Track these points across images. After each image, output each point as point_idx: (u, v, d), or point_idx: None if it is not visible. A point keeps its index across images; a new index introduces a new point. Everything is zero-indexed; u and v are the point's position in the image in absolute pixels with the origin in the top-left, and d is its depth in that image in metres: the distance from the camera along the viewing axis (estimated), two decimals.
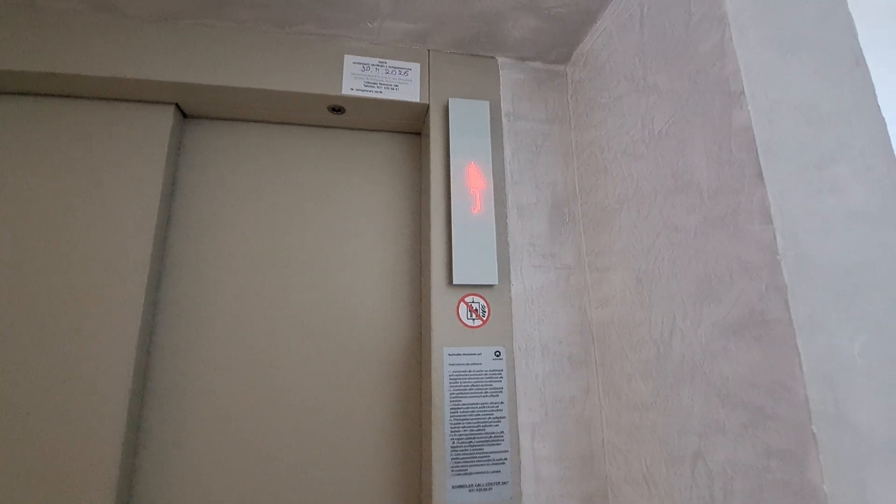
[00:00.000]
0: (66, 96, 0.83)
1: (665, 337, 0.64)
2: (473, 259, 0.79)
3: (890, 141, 0.54)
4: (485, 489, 0.72)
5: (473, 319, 0.79)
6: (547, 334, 0.82)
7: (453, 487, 0.72)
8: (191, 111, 0.90)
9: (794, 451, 0.45)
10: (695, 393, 0.58)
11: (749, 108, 0.51)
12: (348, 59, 0.87)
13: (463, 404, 0.75)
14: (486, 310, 0.80)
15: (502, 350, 0.79)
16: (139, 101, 0.85)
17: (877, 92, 0.56)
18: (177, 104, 0.87)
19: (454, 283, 0.78)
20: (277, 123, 0.95)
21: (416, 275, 0.91)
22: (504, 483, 0.73)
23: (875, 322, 0.47)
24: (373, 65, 0.88)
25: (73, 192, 0.79)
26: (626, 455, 0.72)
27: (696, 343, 0.58)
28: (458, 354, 0.77)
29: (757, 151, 0.50)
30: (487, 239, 0.81)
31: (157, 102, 0.85)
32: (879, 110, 0.55)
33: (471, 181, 0.83)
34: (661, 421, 0.64)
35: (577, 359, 0.82)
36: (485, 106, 0.88)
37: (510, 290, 0.82)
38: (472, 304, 0.80)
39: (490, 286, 0.81)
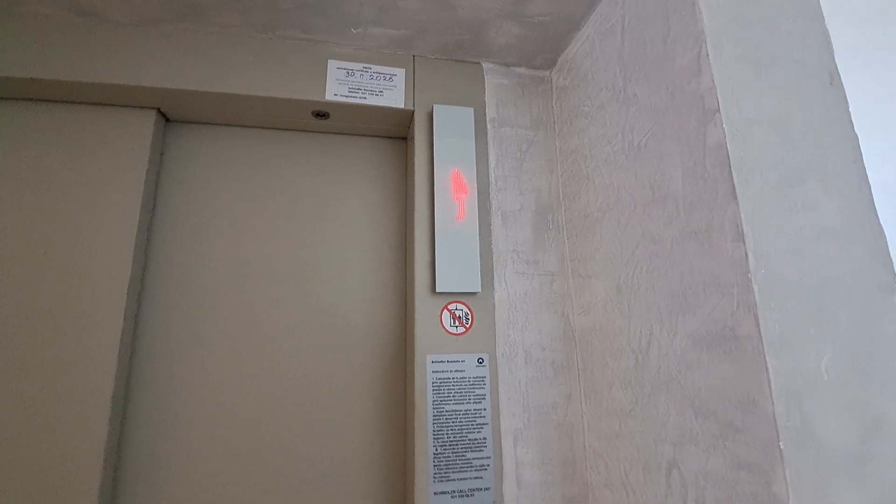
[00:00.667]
0: (46, 101, 0.82)
1: (643, 346, 0.65)
2: (457, 266, 0.80)
3: (861, 158, 0.55)
4: (467, 495, 0.73)
5: (457, 327, 0.80)
6: (530, 340, 0.83)
7: (435, 494, 0.73)
8: (173, 116, 0.89)
9: (762, 464, 0.46)
10: (670, 403, 0.59)
11: (724, 125, 0.52)
12: (332, 65, 0.87)
13: (446, 411, 0.76)
14: (470, 317, 0.81)
15: (485, 357, 0.80)
16: (120, 106, 0.84)
17: (850, 108, 0.57)
18: (159, 109, 0.86)
19: (437, 290, 0.79)
20: (261, 128, 0.94)
21: (401, 281, 0.92)
22: (486, 489, 0.74)
23: (841, 338, 0.48)
24: (357, 70, 0.88)
25: (54, 196, 0.78)
26: (605, 460, 0.74)
27: (671, 354, 0.59)
28: (441, 361, 0.78)
29: (730, 168, 0.51)
30: (471, 246, 0.81)
31: (139, 107, 0.85)
32: (852, 127, 0.56)
33: (455, 187, 0.84)
34: (639, 428, 0.65)
35: (559, 365, 0.83)
36: (469, 112, 0.88)
37: (494, 297, 0.83)
38: (456, 312, 0.81)
39: (473, 293, 0.82)
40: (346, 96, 0.86)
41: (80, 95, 0.81)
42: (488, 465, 0.75)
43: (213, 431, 0.79)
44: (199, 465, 0.77)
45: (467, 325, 0.80)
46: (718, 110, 0.53)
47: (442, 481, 0.73)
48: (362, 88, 0.87)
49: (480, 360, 0.79)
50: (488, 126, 0.91)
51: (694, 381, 0.55)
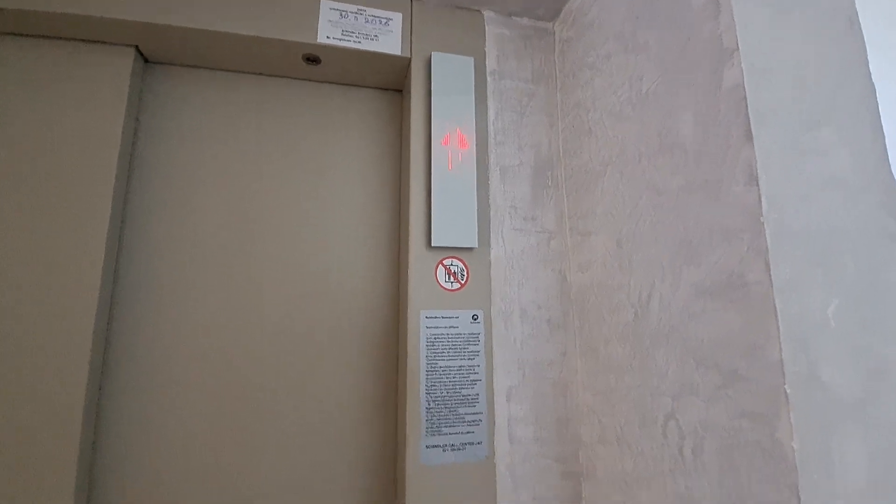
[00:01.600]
0: (16, 34, 0.76)
1: (643, 300, 0.64)
2: (453, 221, 0.77)
3: (877, 107, 0.53)
4: (458, 448, 0.73)
5: (452, 283, 0.78)
6: (526, 298, 0.81)
7: (427, 447, 0.72)
8: (153, 56, 0.83)
9: (766, 412, 0.45)
10: (670, 355, 0.58)
11: (742, 65, 0.50)
12: (325, 5, 0.82)
13: (439, 367, 0.75)
14: (465, 273, 0.79)
15: (480, 314, 0.78)
16: (95, 42, 0.78)
17: (868, 56, 0.55)
18: (137, 47, 0.80)
19: (433, 245, 0.76)
20: (249, 73, 0.89)
21: (395, 237, 0.89)
22: (478, 443, 0.74)
23: (848, 286, 0.47)
24: (351, 12, 0.83)
25: (26, 137, 0.73)
26: (600, 417, 0.74)
27: (673, 306, 0.58)
28: (435, 317, 0.76)
29: (747, 111, 0.49)
30: (468, 201, 0.79)
31: (116, 44, 0.79)
32: (869, 75, 0.54)
33: (452, 141, 0.81)
34: (636, 383, 0.65)
35: (555, 323, 0.82)
36: (469, 62, 0.84)
37: (490, 254, 0.81)
38: (451, 267, 0.78)
39: (469, 249, 0.80)
40: (339, 39, 0.81)
41: (49, 28, 0.75)
42: (481, 421, 0.75)
43: (202, 387, 0.76)
44: (187, 417, 0.75)
45: (462, 282, 0.78)
46: (737, 49, 0.50)
47: (434, 435, 0.72)
48: (356, 32, 0.82)
49: (475, 317, 0.78)
50: (488, 78, 0.87)
51: (696, 331, 0.54)
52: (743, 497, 0.47)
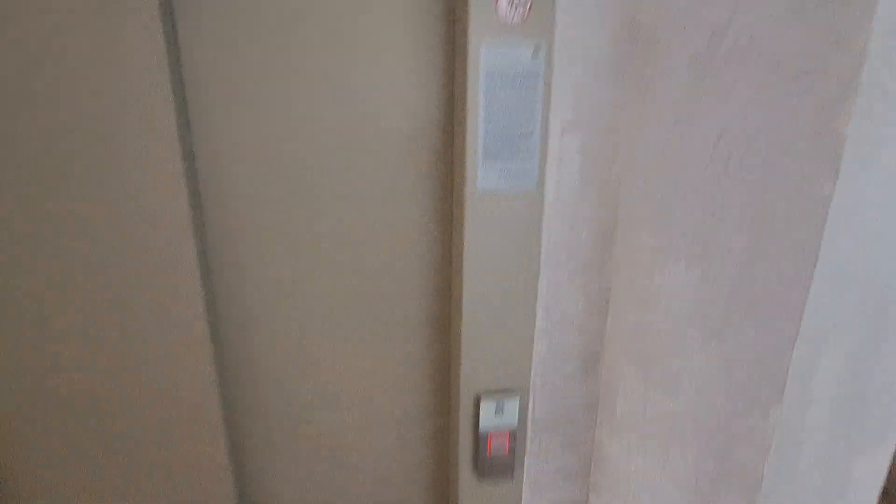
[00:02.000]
0: None
1: (722, 23, 0.61)
2: None
3: None
4: (512, 175, 0.80)
5: (515, 7, 0.74)
6: (591, 34, 0.78)
7: (482, 176, 0.80)
8: None
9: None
10: (739, 75, 0.59)
11: None
12: None
13: (498, 99, 0.77)
14: (529, 2, 0.75)
15: (542, 47, 0.77)
16: None
17: None
18: None
19: None
20: None
21: None
22: (530, 172, 0.81)
23: None
24: None
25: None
26: (645, 148, 0.78)
27: (755, 20, 0.56)
28: (495, 49, 0.75)
29: None
30: None
31: None
32: None
33: None
34: (693, 111, 0.67)
35: (619, 61, 0.80)
36: None
37: None
38: None
39: None
40: None
41: None
42: (535, 154, 0.80)
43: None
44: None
45: (526, 6, 0.75)
46: None
47: (491, 161, 0.79)
48: None
49: (537, 50, 0.77)
50: None
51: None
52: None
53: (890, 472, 0.68)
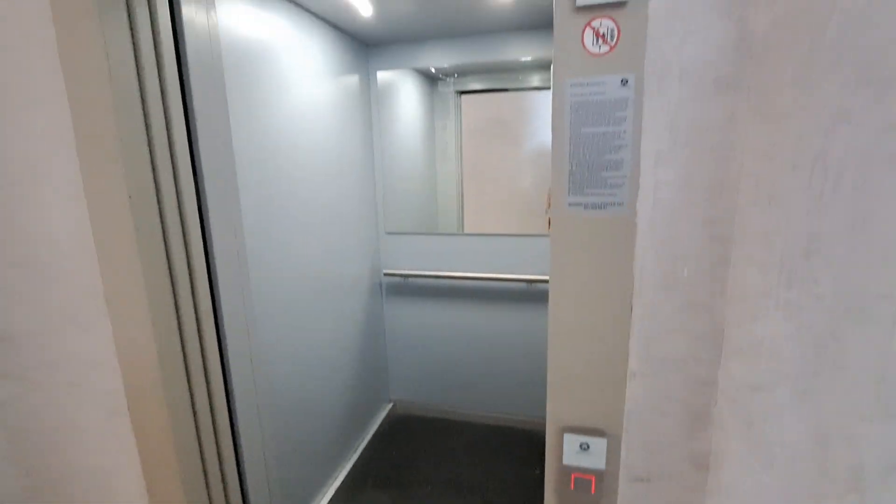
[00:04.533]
0: None
1: (823, 19, 0.52)
2: None
3: None
4: (599, 207, 0.79)
5: (600, 46, 0.75)
6: (689, 56, 0.73)
7: (570, 205, 0.81)
8: None
9: None
10: (836, 82, 0.49)
11: None
12: None
13: (583, 133, 0.78)
14: (616, 33, 0.74)
15: (631, 77, 0.75)
16: None
17: None
18: None
19: (578, 4, 0.73)
20: None
21: None
22: (619, 204, 0.78)
23: None
24: None
25: None
26: (757, 178, 0.68)
27: (855, 11, 0.47)
28: (581, 84, 0.77)
29: None
30: None
31: None
32: None
33: None
34: (798, 127, 0.57)
35: (724, 82, 0.72)
36: None
37: (647, 7, 0.73)
38: (599, 29, 0.75)
39: (622, 4, 0.73)
40: None
41: None
42: (623, 184, 0.78)
43: None
44: None
45: (612, 44, 0.75)
46: None
47: (576, 195, 0.80)
48: None
49: (625, 81, 0.75)
50: None
51: None
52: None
53: None
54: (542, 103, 2.69)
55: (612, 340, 0.82)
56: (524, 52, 2.36)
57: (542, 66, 2.50)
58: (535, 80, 2.59)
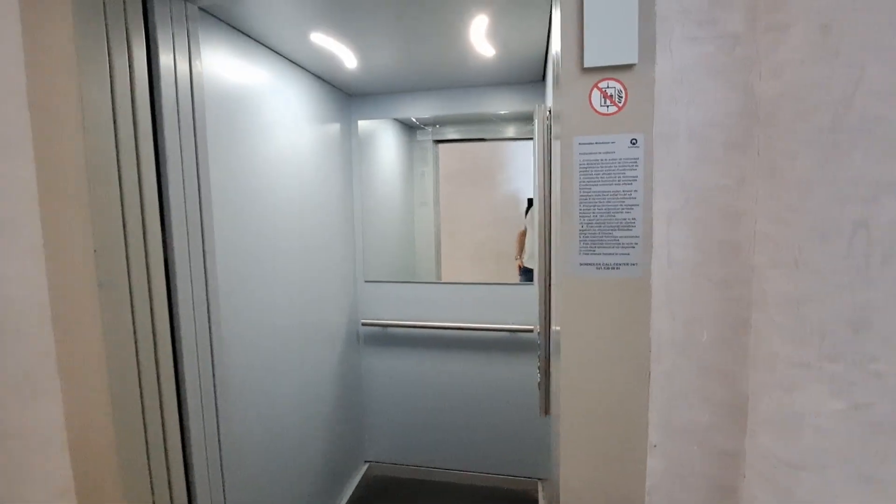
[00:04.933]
0: None
1: (847, 94, 0.52)
2: (609, 35, 0.71)
3: None
4: (613, 268, 0.76)
5: (608, 106, 0.75)
6: (696, 118, 0.73)
7: (581, 265, 0.77)
8: None
9: None
10: (870, 152, 0.48)
11: None
12: None
13: (593, 192, 0.76)
14: (623, 95, 0.74)
15: (640, 137, 0.74)
16: None
17: None
18: None
19: (586, 66, 0.73)
20: None
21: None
22: (633, 265, 0.76)
23: None
24: None
25: None
26: (776, 241, 0.67)
27: (884, 89, 0.47)
28: (589, 143, 0.76)
29: None
30: (627, 8, 0.70)
31: None
32: None
33: None
34: (823, 195, 0.56)
35: (732, 144, 0.72)
36: None
37: (654, 70, 0.73)
38: (607, 90, 0.74)
39: (628, 66, 0.73)
40: None
41: None
42: (636, 244, 0.75)
43: None
44: None
45: (620, 105, 0.74)
46: None
47: (588, 255, 0.77)
48: None
49: (634, 141, 0.74)
50: None
51: None
52: None
53: None
54: (518, 153, 2.75)
55: (629, 408, 0.77)
56: (502, 105, 2.42)
57: (518, 118, 2.57)
58: (511, 131, 2.66)
